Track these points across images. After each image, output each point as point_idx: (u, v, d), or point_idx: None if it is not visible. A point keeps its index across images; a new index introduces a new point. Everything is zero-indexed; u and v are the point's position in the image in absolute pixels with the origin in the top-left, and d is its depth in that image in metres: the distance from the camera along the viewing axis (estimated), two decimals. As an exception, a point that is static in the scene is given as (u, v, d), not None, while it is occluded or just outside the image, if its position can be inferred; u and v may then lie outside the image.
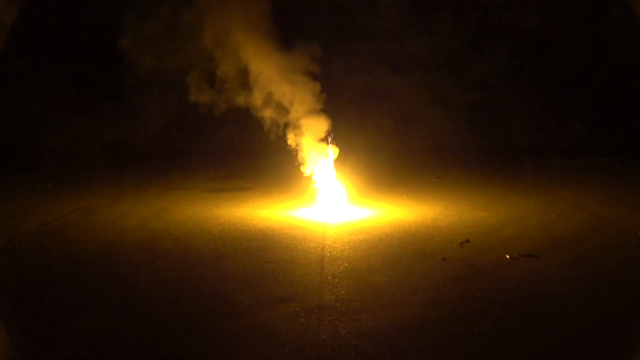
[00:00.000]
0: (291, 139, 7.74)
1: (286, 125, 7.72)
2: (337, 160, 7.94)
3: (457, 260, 5.29)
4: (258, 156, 12.47)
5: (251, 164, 12.27)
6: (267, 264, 5.23)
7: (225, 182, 10.23)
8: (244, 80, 7.65)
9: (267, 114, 7.77)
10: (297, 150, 7.79)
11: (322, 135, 7.72)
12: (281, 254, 5.55)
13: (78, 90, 13.99)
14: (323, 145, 7.76)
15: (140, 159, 12.99)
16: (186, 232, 6.51)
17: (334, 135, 7.80)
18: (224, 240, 6.11)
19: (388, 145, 14.15)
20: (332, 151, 7.79)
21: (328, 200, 7.77)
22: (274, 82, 7.53)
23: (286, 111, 7.68)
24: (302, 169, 7.89)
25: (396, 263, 5.22)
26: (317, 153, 7.80)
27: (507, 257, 5.36)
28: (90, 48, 13.87)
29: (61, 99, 13.85)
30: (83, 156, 12.89)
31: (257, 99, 7.66)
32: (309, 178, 7.95)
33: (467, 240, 5.92)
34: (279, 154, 8.31)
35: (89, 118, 14.10)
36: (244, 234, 6.40)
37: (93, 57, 13.84)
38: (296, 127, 7.69)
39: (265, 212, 7.58)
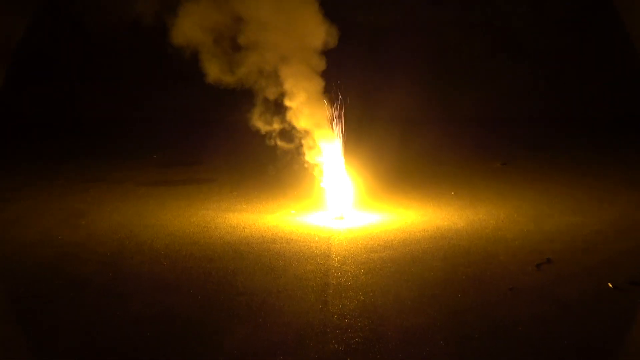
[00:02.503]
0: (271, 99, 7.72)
1: (269, 82, 7.68)
2: (348, 138, 7.89)
3: (532, 291, 5.27)
4: (225, 130, 12.39)
5: (215, 142, 12.22)
6: (239, 297, 5.21)
7: (175, 171, 10.19)
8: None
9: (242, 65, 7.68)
10: (285, 122, 7.76)
11: (326, 99, 7.70)
12: (262, 282, 5.52)
13: None
14: (327, 114, 7.72)
15: (43, 133, 12.93)
16: (115, 247, 6.49)
17: (345, 100, 7.77)
18: (174, 261, 6.09)
19: (428, 114, 14.06)
20: (342, 124, 7.78)
21: (334, 199, 7.74)
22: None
23: (270, 57, 7.62)
24: (294, 150, 7.85)
25: (438, 295, 5.19)
26: (317, 127, 7.75)
27: (610, 285, 5.32)
28: None
29: None
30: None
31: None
32: (304, 165, 7.91)
33: (548, 260, 5.91)
34: (257, 127, 8.24)
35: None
36: (205, 250, 6.38)
37: None
38: (285, 83, 7.63)
39: (238, 217, 7.55)
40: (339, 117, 7.79)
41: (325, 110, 7.73)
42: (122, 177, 9.70)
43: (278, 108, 7.75)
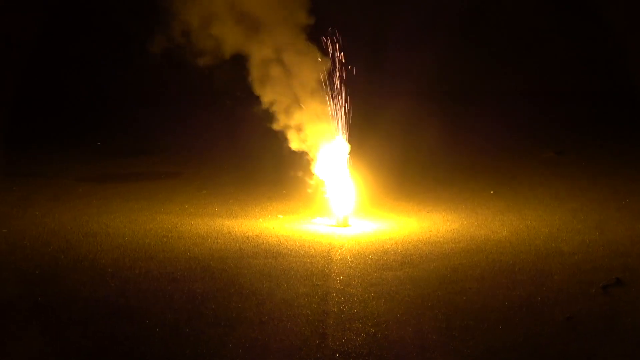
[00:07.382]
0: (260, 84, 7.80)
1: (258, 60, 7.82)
2: (358, 117, 7.94)
3: (597, 321, 5.21)
4: (197, 112, 12.48)
5: (181, 126, 12.32)
6: (210, 329, 5.13)
7: (127, 163, 10.30)
8: None
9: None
10: (275, 107, 7.85)
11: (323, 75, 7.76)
12: (240, 309, 5.45)
13: None
14: (326, 92, 7.79)
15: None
16: (47, 263, 6.46)
17: (352, 74, 7.87)
18: (124, 281, 6.03)
19: (459, 88, 14.17)
20: (348, 104, 7.81)
21: (335, 200, 7.76)
22: None
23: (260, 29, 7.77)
24: (285, 138, 7.86)
25: (473, 328, 5.11)
26: (315, 109, 7.81)
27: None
28: None
29: None
30: None
31: None
32: (297, 157, 7.93)
33: (617, 280, 5.89)
34: (239, 108, 8.36)
35: None
36: (165, 267, 6.33)
37: None
38: (277, 61, 7.77)
39: (208, 223, 7.60)
40: (346, 91, 7.84)
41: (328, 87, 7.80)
42: (57, 171, 9.75)
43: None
